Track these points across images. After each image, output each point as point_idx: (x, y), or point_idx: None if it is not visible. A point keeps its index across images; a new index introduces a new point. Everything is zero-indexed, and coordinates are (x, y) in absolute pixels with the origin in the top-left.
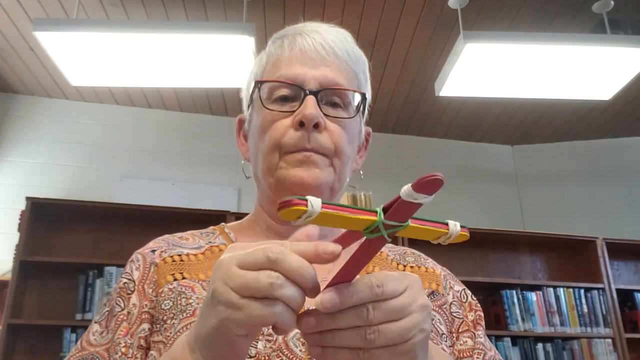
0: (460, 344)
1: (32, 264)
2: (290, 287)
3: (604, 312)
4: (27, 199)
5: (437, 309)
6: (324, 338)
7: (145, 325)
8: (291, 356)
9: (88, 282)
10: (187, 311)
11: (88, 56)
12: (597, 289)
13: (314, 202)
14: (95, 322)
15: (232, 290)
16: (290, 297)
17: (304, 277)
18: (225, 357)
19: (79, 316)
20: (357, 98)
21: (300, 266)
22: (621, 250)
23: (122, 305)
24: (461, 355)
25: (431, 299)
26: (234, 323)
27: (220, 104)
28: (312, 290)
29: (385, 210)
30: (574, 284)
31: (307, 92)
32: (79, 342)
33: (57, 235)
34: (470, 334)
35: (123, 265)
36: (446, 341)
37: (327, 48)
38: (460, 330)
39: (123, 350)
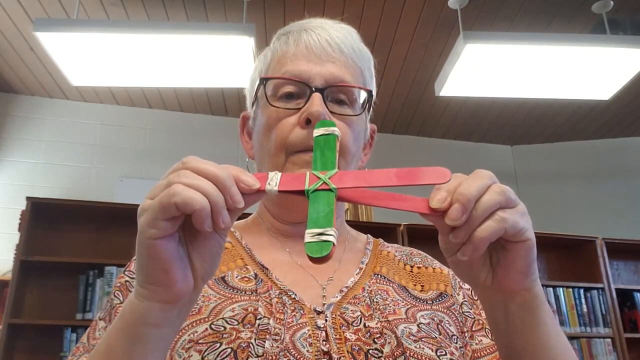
0: (476, 344)
1: (32, 264)
2: (190, 174)
3: (604, 312)
4: (28, 198)
5: (445, 310)
6: (469, 224)
7: None
8: (298, 356)
9: (88, 281)
10: (192, 308)
11: (88, 56)
12: (597, 288)
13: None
14: (100, 319)
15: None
16: (188, 181)
17: (204, 170)
18: (151, 272)
19: (79, 316)
20: (363, 95)
21: (200, 164)
22: (621, 250)
23: (121, 298)
24: (476, 355)
25: (439, 300)
26: (145, 224)
27: (220, 104)
28: (224, 183)
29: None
30: (573, 284)
31: (313, 89)
32: (85, 339)
33: (57, 235)
34: (485, 331)
35: (123, 265)
36: (456, 342)
37: (332, 44)
38: (474, 329)
39: None
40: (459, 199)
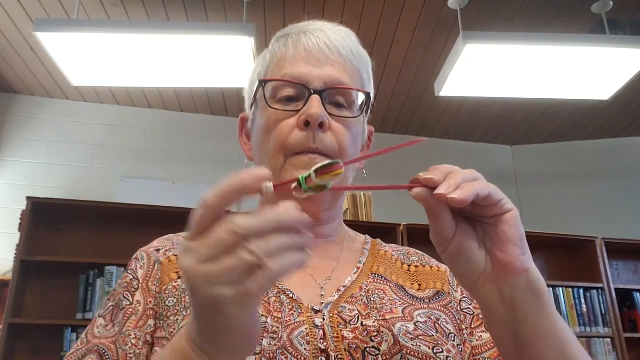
0: (476, 340)
1: (32, 264)
2: (258, 243)
3: (603, 312)
4: (28, 198)
5: (442, 308)
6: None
7: (151, 322)
8: (296, 354)
9: (89, 281)
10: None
11: (89, 56)
12: (596, 288)
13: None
14: (100, 317)
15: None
16: (265, 249)
17: (262, 228)
18: (231, 341)
19: (79, 316)
20: (361, 97)
21: (250, 223)
22: (620, 250)
23: (130, 299)
24: (476, 351)
25: (436, 299)
26: (230, 300)
27: (220, 104)
28: (292, 220)
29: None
30: (573, 284)
31: (312, 91)
32: (83, 336)
33: (57, 235)
34: (484, 327)
35: (123, 265)
36: (454, 340)
37: (331, 47)
38: (473, 326)
39: (133, 341)
40: (435, 169)
